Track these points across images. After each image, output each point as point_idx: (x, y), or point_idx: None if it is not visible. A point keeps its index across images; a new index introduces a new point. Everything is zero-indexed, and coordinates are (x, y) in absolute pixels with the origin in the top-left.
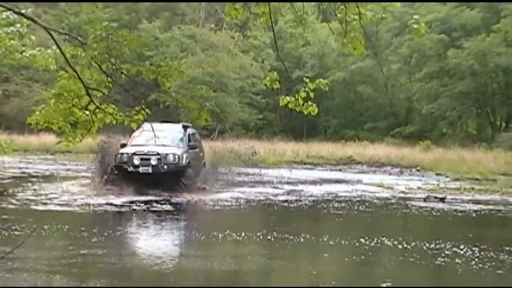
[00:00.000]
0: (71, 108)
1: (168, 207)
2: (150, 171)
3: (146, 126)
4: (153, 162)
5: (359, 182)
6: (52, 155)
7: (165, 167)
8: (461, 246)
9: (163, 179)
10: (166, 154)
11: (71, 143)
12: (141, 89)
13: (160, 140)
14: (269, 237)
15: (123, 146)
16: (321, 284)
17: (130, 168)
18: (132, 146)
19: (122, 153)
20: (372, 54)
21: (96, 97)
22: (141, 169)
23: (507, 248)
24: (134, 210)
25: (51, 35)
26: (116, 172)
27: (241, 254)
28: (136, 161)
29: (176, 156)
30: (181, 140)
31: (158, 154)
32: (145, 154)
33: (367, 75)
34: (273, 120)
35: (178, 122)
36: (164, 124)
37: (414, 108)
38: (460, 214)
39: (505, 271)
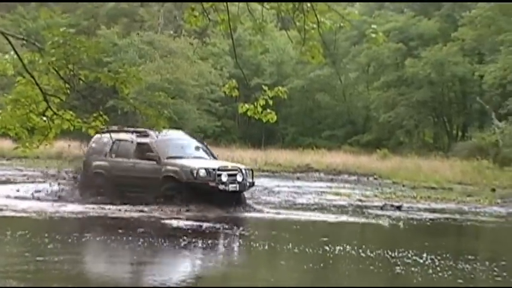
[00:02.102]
0: (28, 114)
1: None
2: (238, 188)
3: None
4: (239, 178)
5: (317, 189)
6: (9, 160)
7: (247, 183)
8: (420, 255)
9: (239, 197)
10: (246, 169)
11: (28, 149)
12: (99, 95)
13: (192, 151)
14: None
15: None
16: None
17: (222, 186)
18: (173, 158)
19: (198, 169)
20: (330, 63)
21: (53, 103)
22: (230, 186)
23: (465, 257)
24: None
25: (8, 40)
26: (188, 189)
27: None
28: (224, 178)
29: (249, 172)
30: (206, 151)
31: (240, 170)
32: (230, 170)
33: (325, 84)
34: (231, 128)
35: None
36: (177, 132)
37: (372, 116)
38: (416, 222)
39: (464, 280)
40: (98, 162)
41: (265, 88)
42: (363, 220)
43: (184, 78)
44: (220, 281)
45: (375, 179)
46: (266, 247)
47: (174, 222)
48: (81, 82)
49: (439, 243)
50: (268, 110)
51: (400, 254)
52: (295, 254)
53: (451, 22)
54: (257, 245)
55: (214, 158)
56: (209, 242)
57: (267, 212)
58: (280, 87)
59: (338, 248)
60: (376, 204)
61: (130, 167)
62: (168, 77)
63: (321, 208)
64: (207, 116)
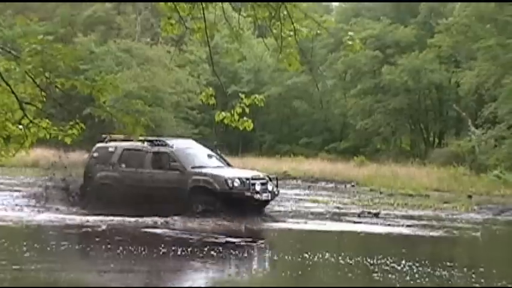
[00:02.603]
0: (3, 122)
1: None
2: (269, 197)
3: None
4: (270, 187)
5: (295, 197)
6: None
7: (276, 192)
8: (398, 261)
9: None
10: (271, 179)
11: (3, 158)
12: (75, 103)
13: (211, 160)
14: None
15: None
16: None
17: (257, 196)
18: (198, 167)
19: (233, 178)
20: (307, 70)
21: (30, 111)
22: (263, 196)
23: (443, 263)
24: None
25: None
26: (222, 200)
27: None
28: (258, 187)
29: (274, 180)
30: (221, 160)
31: (270, 179)
32: (262, 179)
33: (302, 91)
34: (209, 135)
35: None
36: (189, 141)
37: (349, 123)
38: (394, 229)
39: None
40: (104, 173)
41: (242, 96)
42: (342, 227)
43: (162, 86)
44: None
45: (352, 186)
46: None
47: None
48: (57, 90)
49: (418, 249)
50: (245, 118)
51: (381, 260)
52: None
53: (427, 29)
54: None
55: (230, 166)
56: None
57: (294, 223)
58: (257, 95)
59: (319, 254)
60: (353, 211)
61: (148, 177)
62: (145, 84)
63: (299, 216)
64: (185, 123)
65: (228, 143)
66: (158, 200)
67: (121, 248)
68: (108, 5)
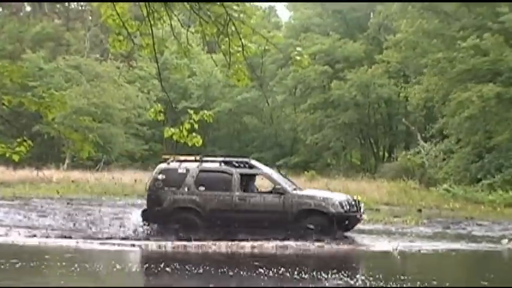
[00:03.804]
0: None
1: None
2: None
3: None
4: (363, 208)
5: None
6: None
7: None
8: (352, 277)
9: None
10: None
11: None
12: (23, 120)
13: (289, 182)
14: None
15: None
16: None
17: (363, 216)
18: (296, 190)
19: (345, 201)
20: (257, 86)
21: None
22: (363, 216)
23: (396, 277)
24: None
25: None
26: (337, 222)
27: None
28: (362, 208)
29: None
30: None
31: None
32: (356, 200)
33: (252, 106)
34: (159, 151)
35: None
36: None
37: (299, 138)
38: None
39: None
40: (180, 196)
41: (191, 112)
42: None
43: (111, 102)
44: None
45: None
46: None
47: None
48: (5, 107)
49: (370, 265)
50: (194, 134)
51: (334, 276)
52: None
53: (376, 44)
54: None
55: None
56: None
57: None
58: (205, 111)
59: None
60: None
61: (239, 201)
62: (94, 100)
63: None
64: (135, 139)
65: None
66: (253, 224)
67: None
68: (57, 21)
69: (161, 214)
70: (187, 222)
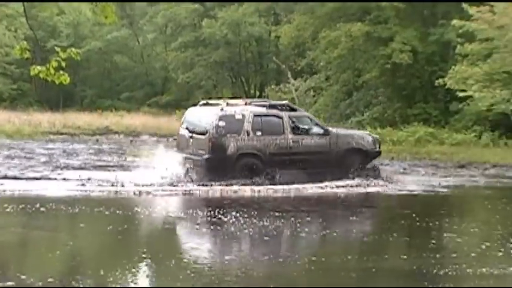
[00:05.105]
0: None
1: None
2: None
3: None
4: None
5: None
6: None
7: None
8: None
9: None
10: None
11: None
12: None
13: None
14: None
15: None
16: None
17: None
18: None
19: (375, 138)
20: (127, 24)
21: None
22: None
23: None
24: None
25: None
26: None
27: None
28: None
29: None
30: None
31: None
32: None
33: (123, 45)
34: (28, 91)
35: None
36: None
37: (170, 77)
38: None
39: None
40: (242, 142)
41: (58, 50)
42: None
43: None
44: None
45: (175, 139)
46: None
47: None
48: None
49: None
50: (62, 72)
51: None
52: None
53: None
54: None
55: None
56: None
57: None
58: (73, 49)
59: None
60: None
61: (293, 143)
62: None
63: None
64: (2, 78)
65: (48, 99)
66: (306, 165)
67: None
68: None
69: (226, 161)
70: (252, 167)
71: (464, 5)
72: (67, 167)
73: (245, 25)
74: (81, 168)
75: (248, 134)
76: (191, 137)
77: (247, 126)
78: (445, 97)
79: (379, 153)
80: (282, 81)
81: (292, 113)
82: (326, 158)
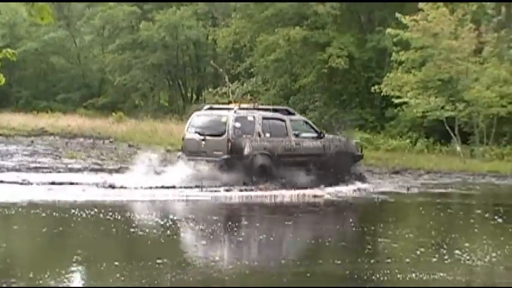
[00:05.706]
0: None
1: None
2: None
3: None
4: None
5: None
6: None
7: None
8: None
9: None
10: None
11: None
12: None
13: None
14: None
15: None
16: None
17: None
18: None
19: (358, 143)
20: (64, 25)
21: None
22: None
23: None
24: None
25: None
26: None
27: None
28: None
29: None
30: None
31: None
32: None
33: (59, 46)
34: None
35: None
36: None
37: (107, 79)
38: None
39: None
40: (256, 143)
41: None
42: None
43: None
44: None
45: (111, 142)
46: None
47: None
48: None
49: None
50: None
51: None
52: None
53: None
54: None
55: None
56: None
57: None
58: (9, 49)
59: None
60: (111, 167)
61: (296, 145)
62: None
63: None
64: None
65: None
66: (306, 166)
67: None
68: None
69: (243, 161)
70: (265, 167)
71: (398, 15)
72: (1, 168)
73: (183, 28)
74: (15, 170)
75: (259, 135)
76: (203, 140)
77: (258, 128)
78: (381, 103)
79: (361, 157)
80: (219, 85)
81: (292, 117)
82: (323, 160)
